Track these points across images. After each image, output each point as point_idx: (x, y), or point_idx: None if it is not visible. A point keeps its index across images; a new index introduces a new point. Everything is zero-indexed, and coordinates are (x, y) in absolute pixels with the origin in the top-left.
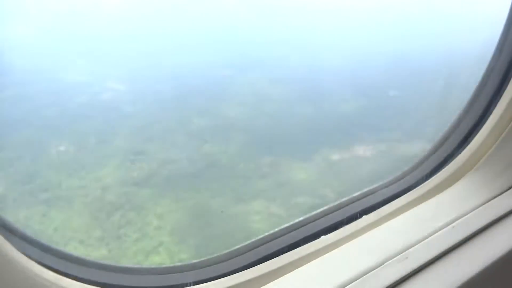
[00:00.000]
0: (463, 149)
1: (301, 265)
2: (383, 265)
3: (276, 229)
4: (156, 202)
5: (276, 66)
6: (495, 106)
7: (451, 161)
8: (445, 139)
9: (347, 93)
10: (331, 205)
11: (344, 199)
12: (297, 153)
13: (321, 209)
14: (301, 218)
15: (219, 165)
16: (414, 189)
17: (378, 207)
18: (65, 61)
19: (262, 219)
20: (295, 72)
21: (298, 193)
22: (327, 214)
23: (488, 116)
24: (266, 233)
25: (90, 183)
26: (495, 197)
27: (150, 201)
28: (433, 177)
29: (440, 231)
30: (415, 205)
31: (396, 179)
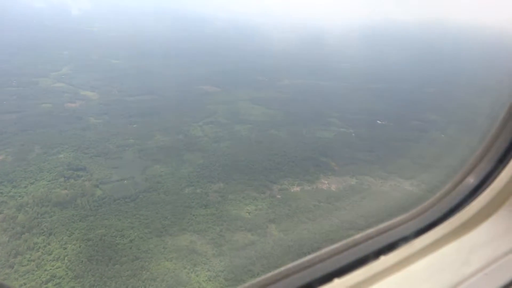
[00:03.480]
0: (491, 182)
1: None
2: None
3: (277, 270)
4: (69, 227)
5: (264, 86)
6: None
7: (479, 195)
8: (470, 170)
9: (331, 119)
10: (344, 241)
11: (359, 235)
12: (255, 181)
13: (334, 246)
14: (311, 256)
15: (162, 189)
16: (439, 226)
17: (398, 247)
18: (48, 68)
19: (179, 257)
20: (283, 94)
21: (237, 228)
22: (341, 252)
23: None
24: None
25: (9, 199)
26: None
27: (63, 226)
28: (460, 213)
29: (472, 279)
30: (441, 246)
31: (417, 213)
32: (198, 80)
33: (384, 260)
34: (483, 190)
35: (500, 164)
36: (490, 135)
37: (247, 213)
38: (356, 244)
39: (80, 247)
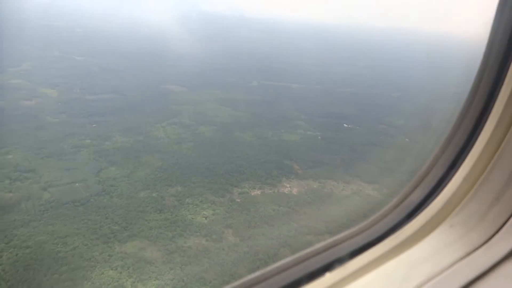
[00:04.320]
0: (433, 199)
1: None
2: None
3: None
4: (8, 234)
5: (233, 87)
6: (467, 155)
7: (421, 211)
8: (413, 187)
9: (299, 121)
10: (289, 259)
11: (304, 252)
12: (215, 184)
13: (278, 264)
14: (252, 276)
15: (116, 192)
16: (382, 242)
17: (343, 262)
18: (6, 63)
19: (125, 265)
20: (251, 95)
21: (192, 233)
22: (284, 270)
23: (460, 166)
24: None
25: None
26: (469, 253)
27: (2, 233)
28: (403, 229)
29: None
30: (384, 261)
31: (361, 229)
32: (165, 79)
33: (329, 277)
34: (426, 206)
35: (442, 182)
36: (432, 155)
37: (204, 218)
38: (301, 261)
39: (17, 255)
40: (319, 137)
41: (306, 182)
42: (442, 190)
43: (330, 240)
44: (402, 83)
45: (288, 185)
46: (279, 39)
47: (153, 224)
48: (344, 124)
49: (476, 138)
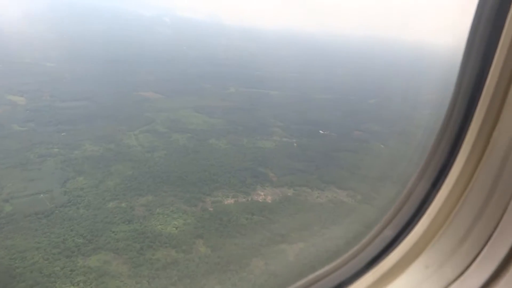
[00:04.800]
0: (406, 236)
1: None
2: None
3: None
4: None
5: (209, 94)
6: (439, 190)
7: (394, 249)
8: (386, 223)
9: (275, 128)
10: None
11: None
12: (187, 193)
13: None
14: None
15: (82, 203)
16: (358, 281)
17: None
18: None
19: (87, 280)
20: (228, 102)
21: (161, 245)
22: None
23: (432, 201)
24: None
25: None
26: None
27: None
28: (377, 267)
29: None
30: None
31: (336, 267)
32: (140, 86)
33: None
34: (400, 243)
35: (415, 217)
36: (405, 189)
37: (174, 228)
38: None
39: None
40: (294, 144)
41: (280, 189)
42: (415, 225)
43: (308, 278)
44: (380, 89)
45: (262, 193)
46: (259, 47)
47: (121, 236)
48: (320, 131)
49: (447, 174)
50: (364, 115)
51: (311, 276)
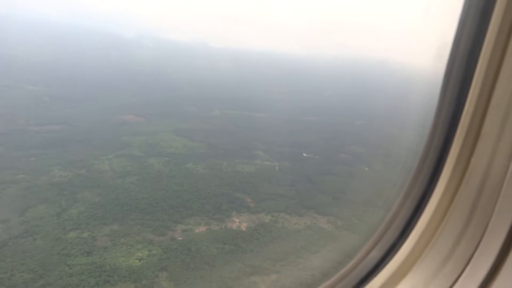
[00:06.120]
0: (389, 261)
1: None
2: None
3: None
4: None
5: (192, 117)
6: (420, 215)
7: (378, 273)
8: (368, 251)
9: (257, 151)
10: None
11: None
12: (156, 221)
13: None
14: None
15: (40, 234)
16: None
17: None
18: None
19: None
20: (211, 125)
21: (119, 279)
22: None
23: (414, 225)
24: None
25: None
26: None
27: None
28: None
29: None
30: None
31: None
32: (120, 109)
33: None
34: (385, 265)
35: (399, 239)
36: (390, 212)
37: (137, 260)
38: None
39: None
40: (276, 168)
41: (257, 216)
42: (398, 250)
43: None
44: (366, 111)
45: (237, 220)
46: (245, 68)
47: (76, 270)
48: (304, 154)
49: (429, 198)
50: (350, 137)
51: None
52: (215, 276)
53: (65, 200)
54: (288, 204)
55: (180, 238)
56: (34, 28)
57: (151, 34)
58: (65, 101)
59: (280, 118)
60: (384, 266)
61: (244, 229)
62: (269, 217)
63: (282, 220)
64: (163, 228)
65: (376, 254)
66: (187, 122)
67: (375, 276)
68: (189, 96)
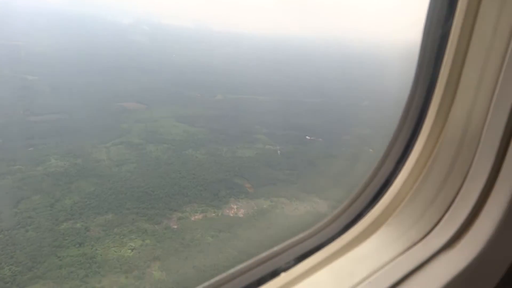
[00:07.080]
0: (375, 204)
1: None
2: None
3: None
4: None
5: (194, 102)
6: (404, 164)
7: (365, 216)
8: (358, 195)
9: (259, 135)
10: (245, 263)
11: (260, 256)
12: (151, 210)
13: (237, 268)
14: (213, 280)
15: (33, 225)
16: (330, 244)
17: (295, 264)
18: None
19: None
20: (213, 110)
21: (110, 270)
22: (244, 273)
23: (398, 173)
24: None
25: None
26: (408, 249)
27: None
28: (348, 232)
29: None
30: (333, 260)
31: (311, 234)
32: (122, 96)
33: (284, 276)
34: (370, 210)
35: (384, 187)
36: (373, 168)
37: (130, 250)
38: (259, 264)
39: None
40: (278, 152)
41: (256, 202)
42: (383, 195)
43: (280, 245)
44: (373, 91)
45: (235, 207)
46: (247, 52)
47: (66, 262)
48: (307, 137)
49: (413, 147)
50: (355, 119)
51: (286, 242)
52: (209, 265)
53: (60, 191)
54: (289, 189)
55: (175, 227)
56: (33, 17)
57: (149, 20)
58: (67, 91)
59: (282, 101)
60: (365, 214)
61: (241, 215)
62: (268, 202)
63: (282, 205)
64: (159, 217)
65: (359, 204)
66: (188, 108)
67: (357, 222)
68: (191, 82)
